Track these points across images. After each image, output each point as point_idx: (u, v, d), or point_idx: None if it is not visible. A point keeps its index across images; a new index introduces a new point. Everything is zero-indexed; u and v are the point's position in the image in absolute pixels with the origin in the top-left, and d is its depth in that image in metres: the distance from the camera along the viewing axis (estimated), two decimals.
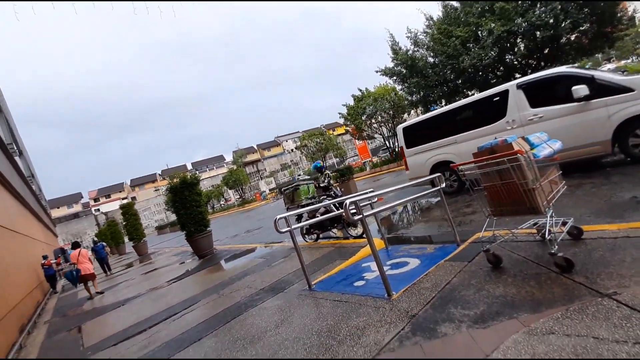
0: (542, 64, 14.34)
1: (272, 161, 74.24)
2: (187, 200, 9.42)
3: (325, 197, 6.33)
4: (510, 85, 6.11)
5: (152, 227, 55.85)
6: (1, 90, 15.14)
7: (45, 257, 12.57)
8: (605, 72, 5.75)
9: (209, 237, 9.70)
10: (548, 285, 2.33)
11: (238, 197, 46.45)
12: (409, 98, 18.93)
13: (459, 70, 14.82)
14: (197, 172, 71.20)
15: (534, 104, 5.80)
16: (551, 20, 12.19)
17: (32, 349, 5.68)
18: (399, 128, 8.27)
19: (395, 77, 18.51)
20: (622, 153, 5.28)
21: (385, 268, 3.69)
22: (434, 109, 19.54)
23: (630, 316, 1.75)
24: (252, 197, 44.79)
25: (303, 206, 6.67)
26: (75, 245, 9.69)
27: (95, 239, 14.09)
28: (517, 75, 15.46)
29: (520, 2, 12.92)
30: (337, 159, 35.34)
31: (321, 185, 6.58)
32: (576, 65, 10.69)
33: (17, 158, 14.02)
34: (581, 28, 12.65)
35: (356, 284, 3.56)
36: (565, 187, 3.00)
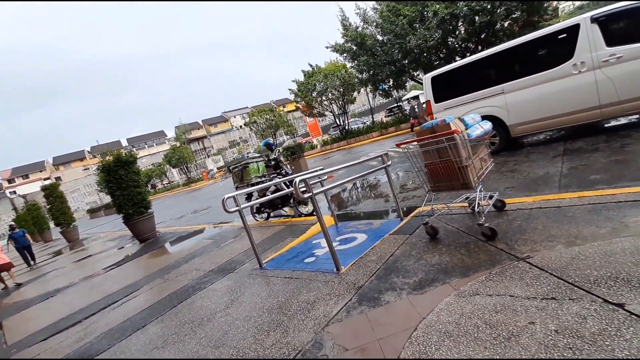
0: (480, 47, 15.38)
1: (219, 138, 70.77)
2: (124, 180, 8.63)
3: (275, 175, 6.25)
4: (582, 18, 4.95)
5: (84, 211, 50.65)
6: None
7: None
8: None
9: (151, 219, 9.09)
10: (476, 252, 2.61)
11: (183, 176, 43.81)
12: (359, 76, 19.14)
13: (406, 50, 15.27)
14: (133, 148, 65.27)
15: (611, 41, 4.74)
16: (489, 6, 13.01)
17: None
18: (427, 77, 6.89)
19: (345, 54, 18.50)
20: None
21: (334, 244, 3.82)
22: (382, 88, 20.07)
23: (539, 276, 2.04)
24: (198, 176, 42.60)
25: (253, 185, 6.52)
26: None
27: (13, 224, 12.30)
28: (457, 58, 16.43)
29: None
30: (288, 136, 34.93)
31: (272, 162, 6.47)
32: None
33: None
34: (513, 16, 13.72)
35: (307, 260, 3.65)
36: (493, 164, 3.33)
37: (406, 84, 19.62)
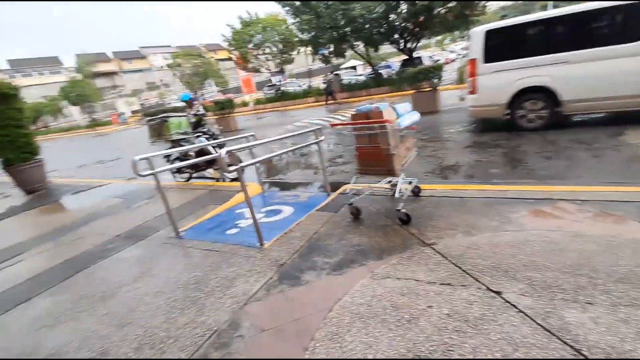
0: (417, 29, 15.95)
1: (134, 77, 61.46)
2: (2, 117, 6.94)
3: (200, 135, 5.72)
4: None
5: None
6: None
7: None
8: None
9: (40, 167, 7.63)
10: (391, 236, 2.84)
11: (86, 116, 37.31)
12: (300, 35, 18.25)
13: (349, 17, 14.97)
14: (17, 74, 52.65)
15: None
16: None
17: None
18: (480, 30, 5.83)
19: (288, 8, 17.29)
20: None
21: (259, 216, 3.76)
22: (322, 53, 19.55)
23: (440, 262, 2.32)
24: (106, 118, 36.85)
25: (174, 142, 5.89)
26: None
27: None
28: (395, 36, 16.80)
29: None
30: (218, 88, 32.09)
31: (191, 120, 5.88)
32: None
33: None
34: (449, 5, 14.42)
35: (229, 231, 3.52)
36: (416, 154, 3.57)
37: (346, 53, 19.49)
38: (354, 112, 3.14)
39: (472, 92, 6.09)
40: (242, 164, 2.91)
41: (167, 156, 5.94)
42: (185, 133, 5.99)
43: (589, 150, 4.42)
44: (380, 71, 20.44)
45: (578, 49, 5.05)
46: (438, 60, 22.56)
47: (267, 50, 21.01)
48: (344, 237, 2.97)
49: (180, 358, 1.85)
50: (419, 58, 19.62)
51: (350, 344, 1.75)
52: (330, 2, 15.65)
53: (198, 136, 5.72)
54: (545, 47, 5.31)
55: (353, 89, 18.72)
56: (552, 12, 5.52)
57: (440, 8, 14.65)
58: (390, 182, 3.69)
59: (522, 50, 5.53)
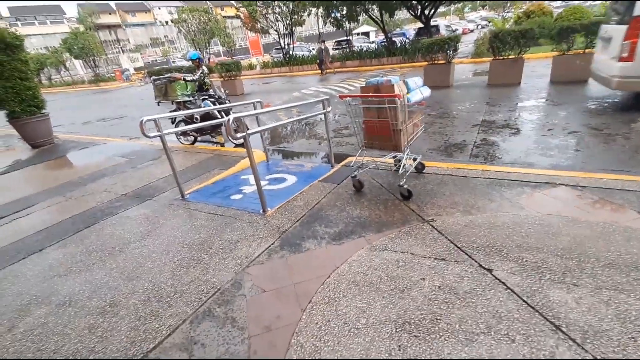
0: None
1: (138, 31, 59.33)
2: (6, 68, 6.84)
3: (206, 98, 5.65)
4: None
5: None
6: None
7: None
8: None
9: (46, 122, 7.65)
10: (391, 210, 2.90)
11: (89, 70, 36.51)
12: None
13: None
14: (19, 23, 50.97)
15: None
16: None
17: None
18: None
19: None
20: None
21: (263, 183, 3.83)
22: (334, 16, 18.64)
23: (437, 238, 2.40)
24: (110, 74, 36.07)
25: (179, 104, 5.84)
26: None
27: None
28: (413, 2, 15.91)
29: None
30: (224, 48, 30.99)
31: (194, 80, 5.76)
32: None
33: None
34: None
35: (233, 197, 3.60)
36: (423, 130, 3.54)
37: (359, 17, 18.57)
38: (364, 85, 3.09)
39: (626, 59, 4.88)
40: (249, 131, 2.92)
41: (173, 118, 5.91)
42: (191, 95, 5.91)
43: None
44: (394, 39, 19.57)
45: None
46: (455, 30, 21.52)
47: (277, 10, 20.02)
48: (345, 208, 3.04)
49: (183, 358, 1.97)
50: (435, 27, 18.72)
51: (345, 308, 1.87)
52: None
53: (204, 99, 5.65)
54: None
55: (363, 56, 18.06)
56: None
57: None
58: (395, 157, 3.70)
59: None
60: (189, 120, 5.80)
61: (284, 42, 21.57)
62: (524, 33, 8.21)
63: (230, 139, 3.21)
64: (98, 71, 35.17)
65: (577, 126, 4.82)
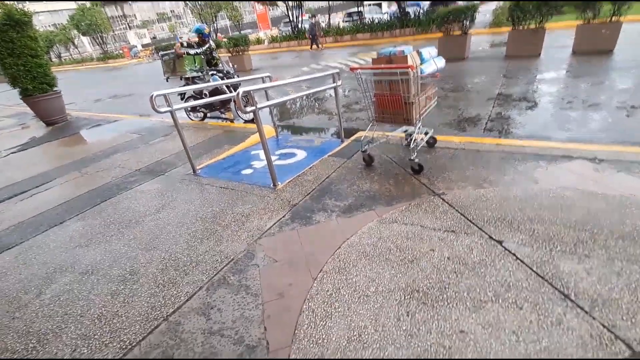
0: None
1: (144, 6, 58.05)
2: (16, 45, 6.86)
3: (215, 73, 5.59)
4: None
5: None
6: None
7: None
8: None
9: (59, 99, 7.73)
10: (402, 184, 2.89)
11: (97, 47, 36.28)
12: None
13: None
14: (26, 2, 50.46)
15: None
16: None
17: None
18: None
19: None
20: None
21: (273, 158, 3.84)
22: None
23: (447, 211, 2.40)
24: (117, 51, 35.81)
25: (187, 79, 5.80)
26: None
27: None
28: None
29: None
30: (231, 22, 30.17)
31: (198, 53, 5.67)
32: None
33: None
34: None
35: (244, 172, 3.64)
36: (436, 103, 3.45)
37: None
38: (375, 57, 2.99)
39: None
40: (259, 106, 2.90)
41: (182, 94, 5.90)
42: (200, 70, 5.85)
43: None
44: (408, 9, 18.68)
45: None
46: None
47: None
48: (355, 182, 3.04)
49: (192, 358, 2.05)
50: None
51: (355, 277, 1.91)
52: None
53: (212, 74, 5.59)
54: None
55: (374, 29, 17.39)
56: None
57: None
58: (406, 131, 3.64)
59: None
60: (198, 96, 5.77)
61: (293, 15, 20.87)
62: (547, 1, 7.73)
63: (240, 113, 3.19)
64: (106, 48, 34.95)
65: (598, 99, 4.62)
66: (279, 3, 20.64)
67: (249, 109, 2.80)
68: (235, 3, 26.40)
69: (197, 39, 5.76)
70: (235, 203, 2.99)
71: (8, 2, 7.01)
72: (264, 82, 4.36)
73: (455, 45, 9.06)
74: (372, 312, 1.66)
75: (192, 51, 5.63)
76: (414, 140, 3.10)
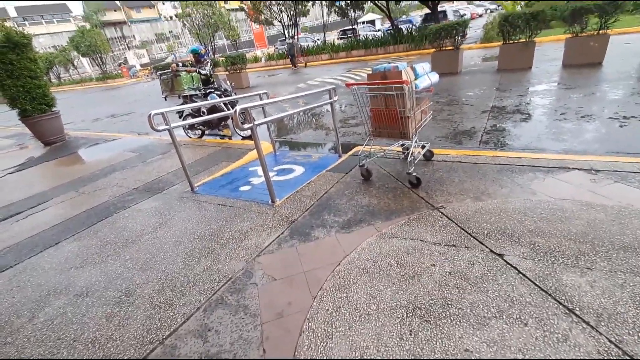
0: None
1: (143, 27, 59.34)
2: (15, 67, 6.95)
3: (212, 91, 5.66)
4: None
5: None
6: None
7: None
8: None
9: (57, 119, 7.78)
10: (400, 198, 2.89)
11: (96, 68, 36.81)
12: None
13: None
14: (26, 23, 51.56)
15: None
16: None
17: None
18: None
19: None
20: None
21: (271, 174, 3.84)
22: (339, 4, 18.36)
23: (447, 225, 2.38)
24: (116, 71, 36.33)
25: (185, 97, 5.86)
26: None
27: None
28: None
29: None
30: (228, 41, 30.87)
31: (201, 73, 5.77)
32: None
33: None
34: None
35: (242, 188, 3.63)
36: (431, 117, 3.49)
37: (364, 5, 18.24)
38: (370, 72, 3.05)
39: None
40: (256, 122, 2.92)
41: (180, 112, 5.95)
42: (197, 89, 5.93)
43: None
44: (400, 26, 19.21)
45: None
46: (464, 15, 20.97)
47: (281, 1, 19.80)
48: (353, 197, 3.03)
49: (193, 358, 2.01)
50: (443, 12, 18.31)
51: (355, 295, 1.88)
52: None
53: (210, 92, 5.66)
54: None
55: (369, 45, 17.80)
56: None
57: None
58: (403, 145, 3.67)
59: None
60: (196, 113, 5.82)
61: (289, 34, 21.37)
62: (535, 15, 7.97)
63: (238, 130, 3.21)
64: (105, 68, 35.45)
65: (590, 110, 4.69)
66: (275, 22, 21.15)
67: (246, 125, 2.82)
68: (233, 23, 27.05)
69: (193, 59, 5.88)
70: (234, 220, 2.96)
71: (7, 25, 7.15)
72: (261, 99, 4.41)
73: (447, 60, 9.26)
74: (374, 332, 1.62)
75: (204, 70, 5.72)
76: (411, 153, 3.12)
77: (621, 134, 3.80)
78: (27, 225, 3.61)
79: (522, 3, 16.48)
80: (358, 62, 16.32)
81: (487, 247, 2.09)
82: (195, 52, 5.83)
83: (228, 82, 5.88)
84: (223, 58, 14.46)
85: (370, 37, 18.79)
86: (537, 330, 1.49)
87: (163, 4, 62.66)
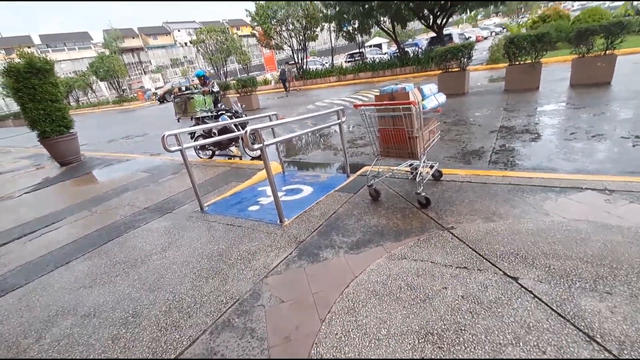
0: (449, 3, 15.11)
1: (159, 53, 62.10)
2: (38, 92, 7.30)
3: (223, 113, 5.82)
4: None
5: None
6: None
7: None
8: None
9: (74, 141, 8.04)
10: (409, 219, 2.85)
11: (113, 92, 38.36)
12: (324, 11, 17.75)
13: None
14: (49, 49, 54.53)
15: None
16: None
17: None
18: None
19: None
20: None
21: (280, 194, 3.86)
22: (346, 29, 18.97)
23: (458, 246, 2.34)
24: (132, 94, 37.74)
25: (197, 119, 6.03)
26: None
27: None
28: (425, 12, 16.03)
29: None
30: (240, 65, 32.00)
31: (213, 91, 5.99)
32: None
33: None
34: None
35: (251, 208, 3.65)
36: (439, 137, 3.50)
37: (371, 30, 18.82)
38: (378, 93, 3.10)
39: None
40: (265, 143, 2.97)
41: (192, 133, 6.11)
42: (209, 110, 6.11)
43: None
44: (406, 49, 19.67)
45: None
46: (469, 38, 21.39)
47: (291, 26, 20.58)
48: (362, 217, 3.01)
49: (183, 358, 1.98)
50: (448, 35, 18.70)
51: (365, 318, 1.83)
52: None
53: (221, 114, 5.82)
54: None
55: (376, 68, 18.19)
56: None
57: None
58: (411, 165, 3.66)
59: None
60: (207, 134, 5.97)
61: (298, 57, 22.04)
62: (540, 37, 8.07)
63: (248, 151, 3.27)
64: (122, 92, 36.88)
65: (601, 129, 4.64)
66: (285, 46, 21.88)
67: (256, 146, 2.87)
68: (245, 48, 28.08)
69: (198, 82, 6.15)
70: (242, 240, 2.96)
71: (29, 51, 7.56)
72: (270, 120, 4.51)
73: (454, 81, 9.37)
74: (385, 358, 1.56)
75: (215, 88, 5.97)
76: (420, 173, 3.11)
77: (634, 153, 3.73)
78: (40, 244, 3.66)
79: (527, 24, 16.79)
80: (365, 83, 16.64)
81: (500, 269, 2.03)
82: (200, 76, 6.08)
83: (239, 104, 6.04)
84: (235, 81, 14.92)
85: (377, 60, 19.23)
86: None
87: (179, 30, 65.75)
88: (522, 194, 2.96)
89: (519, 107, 6.71)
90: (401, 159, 3.24)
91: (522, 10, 40.00)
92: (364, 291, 2.05)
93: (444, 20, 16.45)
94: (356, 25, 17.82)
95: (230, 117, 5.74)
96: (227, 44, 26.38)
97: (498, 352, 1.49)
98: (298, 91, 19.06)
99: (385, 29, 18.80)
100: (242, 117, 5.72)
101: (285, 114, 11.10)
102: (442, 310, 1.79)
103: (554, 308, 1.67)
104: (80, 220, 4.18)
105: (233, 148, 6.18)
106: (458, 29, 31.26)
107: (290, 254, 2.63)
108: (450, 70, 9.63)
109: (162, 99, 28.45)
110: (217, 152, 6.35)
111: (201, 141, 4.74)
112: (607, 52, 7.50)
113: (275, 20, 20.07)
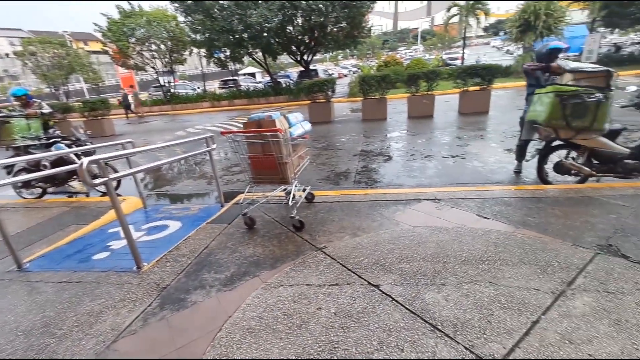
0: (313, 43, 16.87)
1: None
2: None
3: (58, 141, 4.69)
4: None
5: None
6: None
7: None
8: None
9: None
10: (285, 243, 2.85)
11: None
12: (192, 36, 17.12)
13: (246, 23, 14.77)
14: None
15: None
16: (323, 8, 14.33)
17: None
18: None
19: (178, 5, 16.05)
20: None
21: (139, 234, 3.31)
22: (217, 56, 18.74)
23: (330, 264, 2.44)
24: None
25: (17, 149, 4.67)
26: None
27: None
28: (293, 48, 17.44)
29: None
30: (88, 85, 27.09)
31: (44, 113, 4.84)
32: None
33: None
34: (341, 25, 15.76)
35: (97, 256, 2.96)
36: (309, 161, 3.71)
37: (243, 59, 19.15)
38: (245, 121, 3.08)
39: None
40: (111, 176, 2.49)
41: (9, 167, 4.67)
42: (36, 138, 4.83)
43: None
44: (279, 80, 20.80)
45: None
46: (332, 74, 24.30)
47: (154, 47, 18.87)
48: (237, 249, 2.84)
49: None
50: (315, 70, 20.75)
51: None
52: (225, 4, 15.15)
53: (54, 142, 4.68)
54: None
55: (251, 96, 18.51)
56: None
57: (333, 27, 15.87)
58: (284, 190, 3.73)
59: None
60: (34, 168, 4.67)
61: (164, 80, 20.33)
62: (384, 78, 9.85)
63: (87, 186, 2.68)
64: None
65: (430, 151, 5.88)
66: (148, 68, 19.90)
67: (97, 181, 2.37)
68: (94, 66, 24.14)
69: (19, 103, 4.92)
70: (81, 300, 2.33)
71: None
72: (124, 148, 3.88)
73: (322, 111, 10.37)
74: None
75: (46, 110, 4.73)
76: (293, 197, 3.18)
77: (452, 169, 4.84)
78: None
79: (375, 67, 20.31)
80: (242, 110, 16.63)
81: (365, 280, 2.21)
82: (19, 95, 4.85)
83: (81, 130, 5.00)
84: (80, 103, 12.47)
85: (252, 88, 19.61)
86: (412, 354, 1.59)
87: None
88: (379, 208, 3.38)
89: (374, 133, 7.89)
90: (274, 184, 3.26)
91: (371, 55, 48.65)
92: (238, 331, 1.88)
93: (310, 57, 18.26)
94: (228, 54, 17.82)
95: (69, 146, 4.67)
96: (69, 60, 22.14)
97: None
98: (142, 117, 17.88)
99: (257, 60, 19.46)
100: (85, 145, 4.73)
101: (149, 140, 9.90)
102: (317, 332, 1.80)
103: (407, 306, 1.91)
104: None
105: (74, 183, 4.99)
106: (323, 66, 35.21)
107: (149, 305, 2.21)
108: (318, 100, 10.62)
109: None
110: (50, 190, 5.02)
111: (23, 176, 3.64)
112: (429, 92, 9.74)
113: (134, 39, 18.07)
